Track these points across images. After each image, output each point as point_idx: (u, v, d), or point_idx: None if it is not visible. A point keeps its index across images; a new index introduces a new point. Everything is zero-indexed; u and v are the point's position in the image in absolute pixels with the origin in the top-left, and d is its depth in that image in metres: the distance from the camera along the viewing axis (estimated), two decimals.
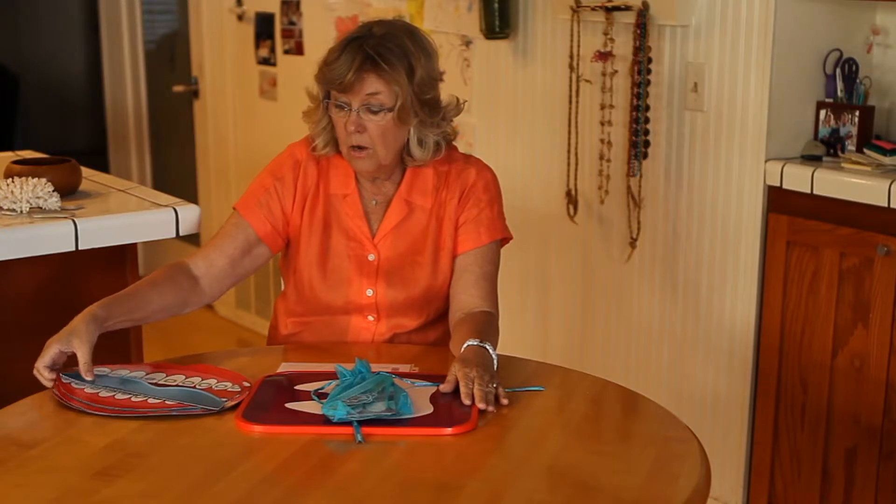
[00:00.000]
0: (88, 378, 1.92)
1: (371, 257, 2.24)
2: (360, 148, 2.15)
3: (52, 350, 1.93)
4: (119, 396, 1.89)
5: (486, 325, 2.12)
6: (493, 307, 2.23)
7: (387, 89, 2.12)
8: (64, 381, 1.92)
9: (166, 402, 1.87)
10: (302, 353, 2.17)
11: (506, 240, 2.32)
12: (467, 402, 1.84)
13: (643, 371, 3.40)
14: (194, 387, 1.94)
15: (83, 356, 1.92)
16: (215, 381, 1.97)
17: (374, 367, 1.95)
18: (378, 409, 1.78)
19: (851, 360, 2.85)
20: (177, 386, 1.95)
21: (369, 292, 2.23)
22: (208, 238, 5.64)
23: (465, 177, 2.26)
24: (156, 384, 1.95)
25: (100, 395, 1.90)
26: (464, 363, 1.92)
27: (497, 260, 2.29)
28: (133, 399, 1.89)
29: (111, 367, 2.02)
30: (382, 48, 2.11)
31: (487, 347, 1.98)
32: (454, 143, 2.31)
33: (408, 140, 2.20)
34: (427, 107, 2.18)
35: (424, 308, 2.26)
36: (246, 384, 1.94)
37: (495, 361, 1.97)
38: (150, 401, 1.88)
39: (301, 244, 2.26)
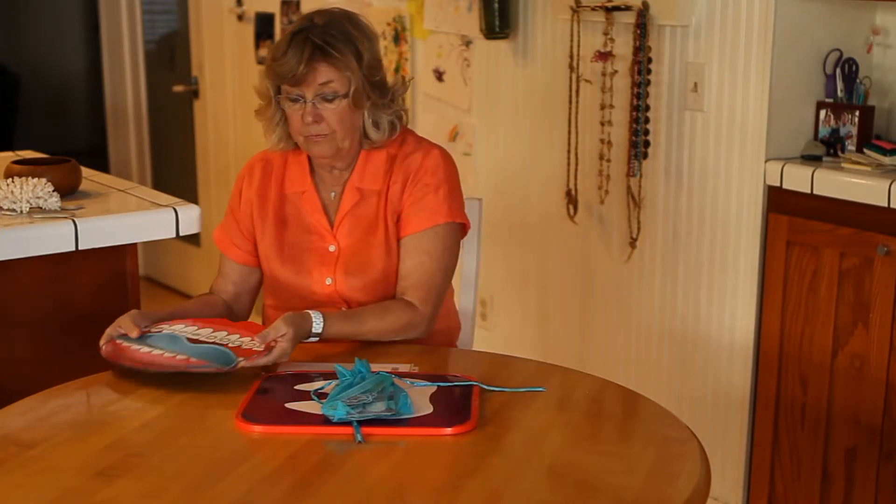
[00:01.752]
0: (134, 335, 2.05)
1: (332, 248, 2.27)
2: (318, 134, 2.19)
3: (105, 334, 2.07)
4: (156, 352, 2.01)
5: (382, 312, 2.18)
6: (418, 299, 2.22)
7: (338, 76, 2.16)
8: (117, 341, 2.06)
9: (191, 359, 1.98)
10: (302, 353, 2.17)
11: (463, 227, 2.31)
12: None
13: (643, 371, 3.40)
14: (227, 345, 2.02)
15: (126, 324, 2.06)
16: (249, 338, 2.05)
17: (374, 367, 1.95)
18: (378, 408, 1.78)
19: (851, 360, 2.85)
20: (212, 343, 2.04)
21: (328, 281, 2.27)
22: (208, 238, 5.63)
23: (412, 161, 2.28)
24: (196, 340, 2.06)
25: (141, 351, 2.02)
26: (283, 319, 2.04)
27: (441, 245, 2.25)
28: (165, 355, 2.00)
29: (169, 325, 2.13)
30: (329, 36, 2.15)
31: (313, 318, 2.08)
32: (410, 126, 2.35)
33: (363, 123, 2.23)
34: (377, 88, 2.23)
35: (381, 293, 2.28)
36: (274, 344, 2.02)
37: (313, 330, 2.08)
38: (178, 357, 1.99)
39: (258, 245, 2.33)
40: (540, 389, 1.96)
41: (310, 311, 2.10)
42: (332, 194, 2.29)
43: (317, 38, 2.14)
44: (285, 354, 2.00)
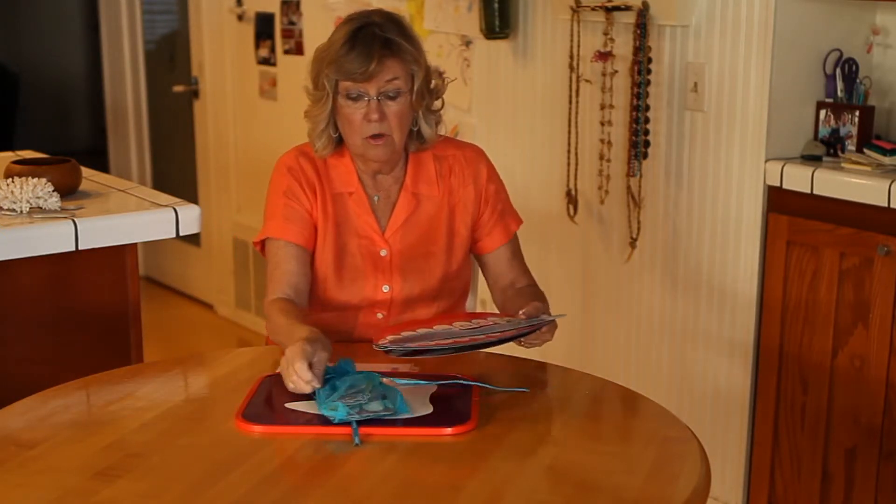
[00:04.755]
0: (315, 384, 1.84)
1: (383, 252, 2.24)
2: (379, 135, 2.15)
3: (300, 363, 1.83)
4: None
5: (532, 296, 2.21)
6: (532, 280, 2.34)
7: (404, 73, 2.14)
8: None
9: (488, 335, 1.93)
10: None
11: None
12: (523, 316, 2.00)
13: (643, 371, 3.40)
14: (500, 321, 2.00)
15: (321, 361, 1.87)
16: (506, 319, 2.02)
17: (376, 367, 1.94)
18: (376, 408, 1.78)
19: (851, 360, 2.85)
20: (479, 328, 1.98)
21: (385, 288, 2.24)
22: (208, 238, 5.62)
23: (478, 169, 2.29)
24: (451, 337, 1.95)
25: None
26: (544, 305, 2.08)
27: (517, 242, 2.38)
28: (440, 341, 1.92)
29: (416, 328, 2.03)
30: (395, 33, 2.14)
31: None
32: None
33: (416, 122, 2.22)
34: (432, 90, 2.23)
35: (437, 299, 2.28)
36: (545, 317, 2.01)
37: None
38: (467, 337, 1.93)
39: (318, 242, 2.25)
40: (524, 391, 1.94)
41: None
42: (376, 198, 2.26)
43: (388, 34, 2.12)
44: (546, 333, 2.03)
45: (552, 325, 2.04)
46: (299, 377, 1.82)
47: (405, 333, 1.98)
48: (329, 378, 1.87)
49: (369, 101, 2.13)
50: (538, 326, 1.99)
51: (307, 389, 1.83)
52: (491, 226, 2.31)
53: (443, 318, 2.13)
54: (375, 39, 2.11)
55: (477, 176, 2.28)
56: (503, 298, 2.31)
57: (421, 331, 1.99)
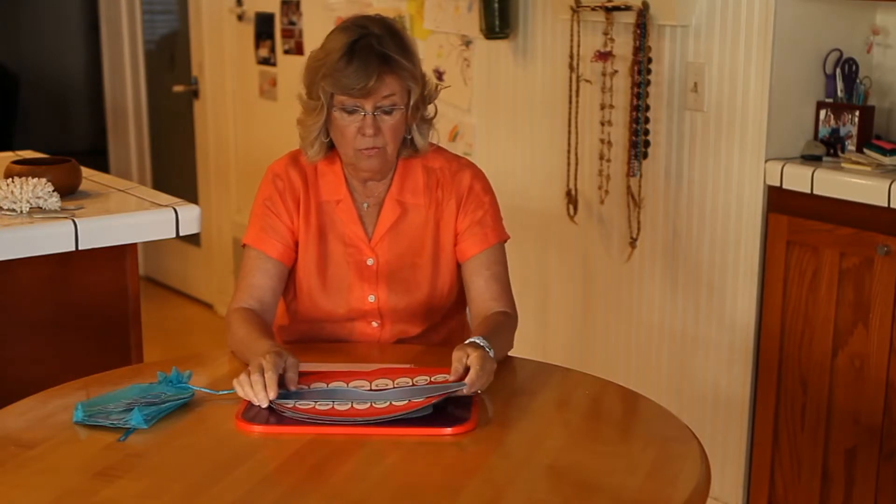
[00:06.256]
0: (292, 388, 1.87)
1: (370, 262, 2.22)
2: (372, 147, 2.13)
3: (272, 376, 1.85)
4: (319, 406, 1.84)
5: (498, 327, 2.11)
6: (508, 306, 2.23)
7: (401, 88, 2.11)
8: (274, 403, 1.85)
9: (392, 403, 1.81)
10: (307, 355, 2.15)
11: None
12: (455, 378, 1.86)
13: (643, 371, 3.40)
14: (413, 384, 1.88)
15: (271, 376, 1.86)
16: (428, 377, 1.90)
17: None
18: (113, 419, 1.78)
19: (851, 360, 2.85)
20: (393, 388, 1.88)
21: (371, 298, 2.22)
22: (208, 238, 5.62)
23: (461, 179, 2.24)
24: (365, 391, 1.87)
25: (298, 405, 1.84)
26: (464, 348, 1.91)
27: (505, 259, 2.29)
28: (336, 407, 1.82)
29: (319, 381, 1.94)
30: (392, 48, 2.10)
31: (486, 348, 1.94)
32: (439, 142, 2.31)
33: (409, 131, 2.20)
34: (426, 99, 2.20)
35: (427, 316, 2.25)
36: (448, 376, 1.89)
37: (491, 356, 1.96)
38: (374, 405, 1.82)
39: (299, 252, 2.24)
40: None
41: (474, 339, 1.95)
42: (365, 205, 2.23)
43: (387, 49, 2.08)
44: (486, 374, 1.87)
45: (480, 367, 1.86)
46: (267, 386, 1.82)
47: (296, 388, 1.90)
48: (131, 391, 1.89)
49: (365, 115, 2.10)
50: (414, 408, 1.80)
51: (260, 400, 1.83)
52: (468, 232, 2.23)
53: (360, 374, 1.97)
54: (373, 54, 2.08)
55: (459, 187, 2.23)
56: (475, 325, 2.20)
57: (315, 386, 1.91)
